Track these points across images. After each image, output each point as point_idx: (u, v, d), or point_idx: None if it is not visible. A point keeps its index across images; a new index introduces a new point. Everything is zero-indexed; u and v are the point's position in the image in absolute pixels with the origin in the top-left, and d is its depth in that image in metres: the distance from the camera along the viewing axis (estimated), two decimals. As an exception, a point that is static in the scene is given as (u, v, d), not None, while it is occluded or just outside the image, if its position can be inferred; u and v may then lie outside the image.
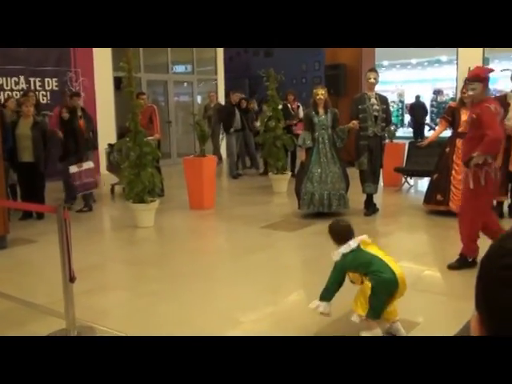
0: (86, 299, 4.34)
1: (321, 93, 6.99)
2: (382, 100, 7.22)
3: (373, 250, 3.60)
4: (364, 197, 7.35)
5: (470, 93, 4.66)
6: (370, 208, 7.28)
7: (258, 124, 11.11)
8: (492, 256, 0.71)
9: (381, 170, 7.43)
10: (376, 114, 7.08)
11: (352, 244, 3.56)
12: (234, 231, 6.95)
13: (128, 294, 4.78)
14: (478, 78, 4.61)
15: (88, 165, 7.79)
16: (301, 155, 7.39)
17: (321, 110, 7.03)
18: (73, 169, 7.59)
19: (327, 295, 3.62)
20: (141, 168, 7.01)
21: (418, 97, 19.31)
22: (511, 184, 6.71)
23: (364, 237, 3.63)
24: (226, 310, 4.25)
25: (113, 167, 9.26)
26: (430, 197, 7.01)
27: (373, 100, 7.10)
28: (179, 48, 14.50)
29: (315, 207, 6.99)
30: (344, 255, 3.56)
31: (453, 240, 5.40)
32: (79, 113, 8.26)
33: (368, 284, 3.45)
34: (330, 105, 7.23)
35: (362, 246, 3.57)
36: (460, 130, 6.67)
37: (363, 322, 3.52)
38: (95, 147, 8.81)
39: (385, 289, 3.44)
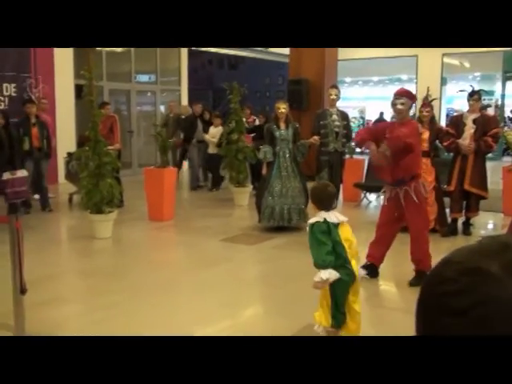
0: (39, 312, 4.22)
1: (282, 107, 7.02)
2: (343, 116, 7.33)
3: (346, 234, 3.53)
4: None
5: (400, 107, 4.82)
6: None
7: (206, 136, 11.00)
8: (431, 283, 0.71)
9: (341, 186, 7.50)
10: (337, 129, 7.18)
11: (334, 218, 3.45)
12: (193, 244, 6.89)
13: (83, 307, 4.67)
14: (408, 94, 4.88)
15: (22, 173, 7.61)
16: (261, 169, 7.40)
17: (282, 125, 7.05)
18: (6, 175, 7.41)
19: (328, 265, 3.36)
20: (100, 178, 6.90)
21: (381, 113, 19.71)
22: (466, 202, 6.88)
23: (345, 218, 3.55)
24: (184, 323, 4.20)
25: (71, 176, 9.09)
26: None
27: (334, 116, 7.20)
28: (143, 57, 14.41)
29: (275, 221, 7.00)
30: (324, 223, 3.41)
31: (409, 255, 5.49)
32: (33, 120, 8.15)
33: (327, 293, 3.45)
34: (292, 119, 7.26)
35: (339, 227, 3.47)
36: None
37: (329, 332, 3.51)
38: (49, 155, 8.63)
39: (345, 292, 3.46)
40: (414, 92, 5.01)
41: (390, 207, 5.01)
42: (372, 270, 5.06)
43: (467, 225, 6.93)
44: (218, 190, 10.86)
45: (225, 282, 5.27)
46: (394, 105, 4.81)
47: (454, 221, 6.91)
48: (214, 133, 10.87)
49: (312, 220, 3.47)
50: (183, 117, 11.69)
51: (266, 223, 7.10)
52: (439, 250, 6.15)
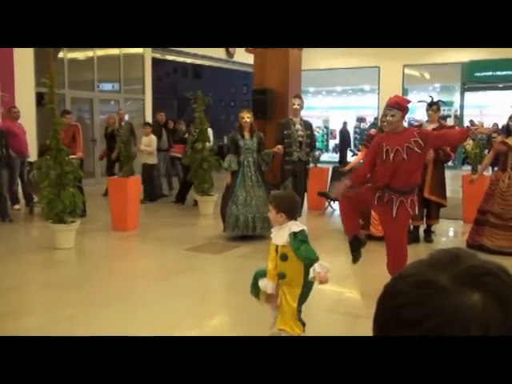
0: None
1: (246, 116, 7.03)
2: (307, 126, 7.40)
3: None
4: None
5: (389, 119, 4.61)
6: None
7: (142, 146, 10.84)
8: (385, 297, 0.73)
9: (305, 194, 7.56)
10: (300, 139, 7.26)
11: (303, 227, 3.53)
12: (157, 253, 6.82)
13: (43, 319, 4.56)
14: (398, 105, 4.67)
15: None
16: (225, 178, 7.37)
17: (246, 134, 7.06)
18: None
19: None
20: (61, 187, 6.78)
21: (345, 123, 19.98)
22: (426, 210, 7.01)
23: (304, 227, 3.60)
24: (147, 334, 4.14)
25: (32, 186, 8.91)
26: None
27: (298, 126, 7.27)
28: (106, 66, 14.26)
29: (240, 230, 7.00)
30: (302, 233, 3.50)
31: (373, 262, 5.56)
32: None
33: (292, 301, 3.48)
34: (256, 129, 7.28)
35: None
36: None
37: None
38: (7, 164, 8.46)
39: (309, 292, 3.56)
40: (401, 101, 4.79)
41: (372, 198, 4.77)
42: (358, 241, 4.87)
43: (428, 232, 7.08)
44: (153, 202, 10.63)
45: (189, 291, 5.23)
46: (384, 115, 4.70)
47: (416, 228, 7.03)
48: (146, 142, 10.77)
49: (295, 229, 3.49)
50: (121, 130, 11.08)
51: (231, 232, 7.08)
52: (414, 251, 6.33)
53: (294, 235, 3.46)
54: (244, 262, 6.14)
